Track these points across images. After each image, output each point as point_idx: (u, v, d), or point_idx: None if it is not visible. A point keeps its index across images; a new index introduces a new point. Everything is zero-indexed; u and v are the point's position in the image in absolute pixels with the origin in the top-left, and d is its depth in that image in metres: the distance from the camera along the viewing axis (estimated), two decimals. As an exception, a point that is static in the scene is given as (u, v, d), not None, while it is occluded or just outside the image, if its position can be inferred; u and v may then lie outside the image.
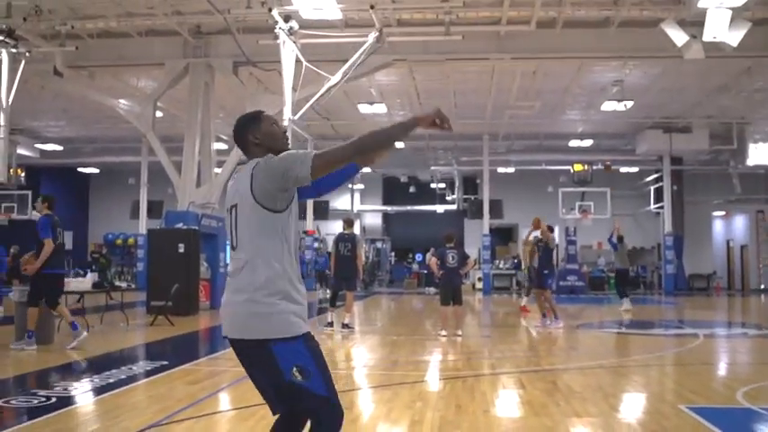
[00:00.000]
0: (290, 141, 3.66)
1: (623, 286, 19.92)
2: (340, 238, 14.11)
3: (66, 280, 14.10)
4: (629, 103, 22.95)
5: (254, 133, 3.53)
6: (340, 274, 14.14)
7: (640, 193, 35.74)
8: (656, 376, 9.41)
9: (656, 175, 33.68)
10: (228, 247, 21.53)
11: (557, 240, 15.47)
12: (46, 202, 11.14)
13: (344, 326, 13.87)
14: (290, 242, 3.37)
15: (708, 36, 13.56)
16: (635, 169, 34.97)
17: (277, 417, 3.56)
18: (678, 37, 14.63)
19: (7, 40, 16.06)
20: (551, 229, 15.70)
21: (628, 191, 35.16)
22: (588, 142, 31.06)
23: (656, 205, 33.62)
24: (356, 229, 14.94)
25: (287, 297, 3.30)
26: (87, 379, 8.28)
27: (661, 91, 23.42)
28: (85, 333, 11.10)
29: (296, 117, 16.10)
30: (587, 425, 6.16)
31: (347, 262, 13.90)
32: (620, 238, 19.70)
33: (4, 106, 17.10)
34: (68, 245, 34.28)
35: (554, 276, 15.38)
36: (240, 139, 3.58)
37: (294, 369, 3.23)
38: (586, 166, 30.58)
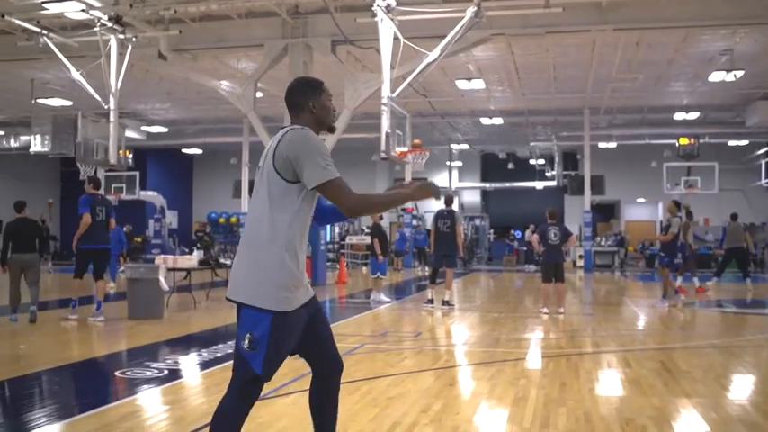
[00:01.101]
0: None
1: (742, 265, 19.55)
2: (439, 215, 14.10)
3: (173, 257, 14.68)
4: (739, 73, 21.96)
5: (314, 101, 3.53)
6: (440, 251, 14.12)
7: (750, 167, 34.28)
8: (770, 356, 9.06)
9: (767, 149, 32.25)
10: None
11: (683, 218, 14.84)
12: (92, 183, 11.98)
13: (444, 303, 13.87)
14: (300, 215, 3.36)
15: (826, -1, 12.85)
16: (744, 142, 33.57)
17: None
18: (793, 1, 13.92)
19: (115, 26, 16.61)
20: (677, 206, 15.05)
21: (737, 165, 33.79)
22: (694, 115, 29.96)
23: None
24: (455, 207, 14.85)
25: (279, 268, 3.30)
26: (196, 353, 8.54)
27: (774, 59, 22.33)
28: (102, 318, 11.45)
29: (394, 95, 16.07)
30: (697, 405, 5.97)
31: (447, 239, 13.87)
32: (734, 216, 19.35)
33: (113, 90, 17.72)
34: (174, 224, 35.57)
35: (670, 257, 14.83)
36: (297, 101, 3.55)
37: (247, 335, 3.28)
38: (692, 140, 29.52)
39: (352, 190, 3.26)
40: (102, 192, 12.08)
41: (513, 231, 37.64)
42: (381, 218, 17.16)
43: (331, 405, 3.74)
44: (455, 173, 39.94)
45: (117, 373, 7.24)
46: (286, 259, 3.31)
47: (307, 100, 3.53)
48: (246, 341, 3.29)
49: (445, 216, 13.94)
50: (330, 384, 3.69)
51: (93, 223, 11.45)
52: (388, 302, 15.36)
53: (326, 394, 3.69)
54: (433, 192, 3.53)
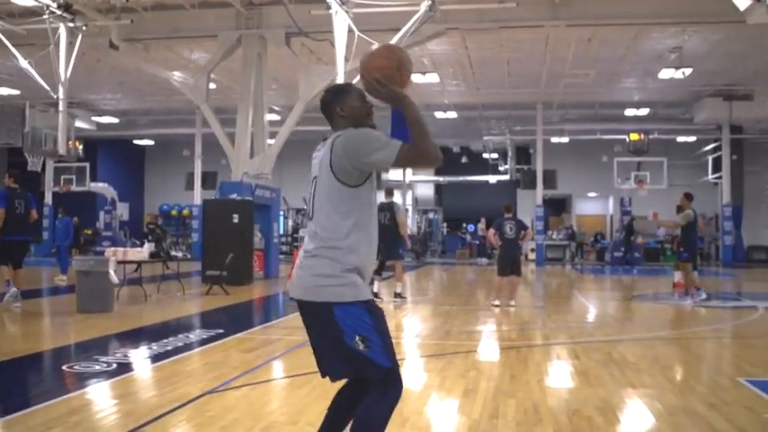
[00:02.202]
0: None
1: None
2: (379, 208, 14.08)
3: (123, 250, 14.52)
4: (688, 71, 22.38)
5: (341, 105, 3.52)
6: (382, 244, 14.13)
7: (698, 162, 34.96)
8: (714, 349, 9.28)
9: (714, 145, 32.91)
10: (282, 217, 21.78)
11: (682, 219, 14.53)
12: (11, 176, 12.18)
13: (396, 295, 13.91)
14: (366, 216, 3.37)
15: (772, -1, 13.11)
16: (692, 138, 34.23)
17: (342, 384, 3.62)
18: (741, 0, 14.18)
19: (65, 14, 16.32)
20: (689, 198, 14.89)
21: (685, 161, 34.43)
22: (644, 111, 30.48)
23: (715, 175, 32.87)
24: (398, 199, 14.91)
25: (354, 270, 3.31)
26: (146, 346, 8.45)
27: (722, 57, 22.76)
28: (20, 305, 11.68)
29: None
30: (643, 396, 6.09)
31: (388, 231, 13.87)
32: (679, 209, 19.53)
33: (63, 80, 17.42)
34: (125, 216, 35.12)
35: (690, 251, 14.51)
36: (327, 109, 3.56)
37: (357, 337, 3.24)
38: (642, 136, 30.02)
39: (413, 146, 3.26)
40: (19, 185, 12.16)
41: (465, 225, 37.91)
42: None
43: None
44: (409, 166, 39.99)
45: (65, 368, 7.13)
46: (357, 262, 3.35)
47: (333, 106, 3.53)
48: (360, 342, 3.26)
49: (384, 208, 13.88)
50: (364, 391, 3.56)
51: (12, 216, 11.78)
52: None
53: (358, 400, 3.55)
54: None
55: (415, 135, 3.27)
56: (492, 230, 13.55)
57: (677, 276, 15.20)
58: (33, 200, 12.44)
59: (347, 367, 3.37)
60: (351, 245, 3.30)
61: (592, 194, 38.43)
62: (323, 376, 3.54)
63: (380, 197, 14.39)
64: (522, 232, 13.43)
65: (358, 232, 3.32)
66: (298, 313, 3.55)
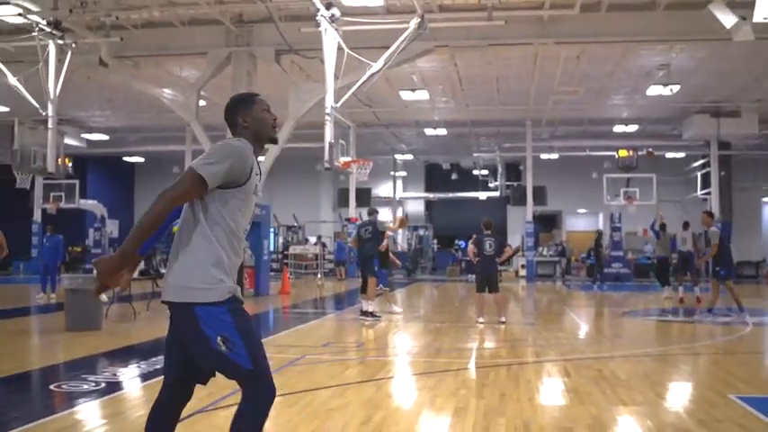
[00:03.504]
0: (277, 130, 3.63)
1: (665, 274, 19.91)
2: (361, 225, 14.40)
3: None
4: (676, 88, 22.52)
5: (244, 116, 3.50)
6: (359, 258, 14.40)
7: (687, 178, 35.15)
8: (705, 365, 9.27)
9: (703, 161, 33.10)
10: (272, 234, 21.74)
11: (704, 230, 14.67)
12: None
13: (364, 313, 13.75)
14: (230, 216, 3.34)
15: (758, 17, 13.26)
16: (681, 155, 34.41)
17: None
18: (727, 19, 14.33)
19: (54, 31, 16.30)
20: (711, 216, 15.16)
21: (674, 177, 34.59)
22: (633, 127, 30.64)
23: (704, 191, 33.03)
24: (387, 216, 15.14)
25: (218, 268, 3.30)
26: (135, 365, 8.40)
27: (709, 74, 22.93)
28: None
29: (338, 104, 16.08)
30: (633, 413, 6.09)
31: (366, 246, 13.96)
32: (663, 226, 19.73)
33: (52, 97, 17.36)
34: (114, 233, 34.95)
35: (727, 268, 14.73)
36: (229, 118, 3.55)
37: (219, 338, 3.21)
38: (631, 152, 30.13)
39: (187, 187, 3.23)
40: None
41: (457, 241, 37.92)
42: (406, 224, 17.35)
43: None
44: (399, 183, 40.13)
45: (52, 387, 7.08)
46: (219, 259, 3.35)
47: (236, 115, 3.52)
48: (222, 343, 3.23)
49: (366, 224, 14.20)
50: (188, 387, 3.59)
51: None
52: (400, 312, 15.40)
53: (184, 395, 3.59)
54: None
55: (167, 198, 3.24)
56: (471, 246, 13.60)
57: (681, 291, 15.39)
58: None
59: (210, 365, 3.35)
60: (214, 242, 3.31)
61: (582, 211, 38.54)
62: (166, 376, 3.52)
63: (383, 215, 14.63)
64: (502, 250, 13.51)
65: (218, 230, 3.32)
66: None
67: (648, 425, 5.69)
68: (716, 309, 14.64)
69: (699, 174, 33.64)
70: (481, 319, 13.12)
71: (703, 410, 6.18)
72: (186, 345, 3.36)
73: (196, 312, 3.23)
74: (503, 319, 13.07)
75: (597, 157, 33.06)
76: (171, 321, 3.43)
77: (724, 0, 14.71)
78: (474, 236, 13.67)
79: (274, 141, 3.64)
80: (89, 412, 6.14)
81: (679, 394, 7.26)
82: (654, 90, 23.09)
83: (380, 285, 15.71)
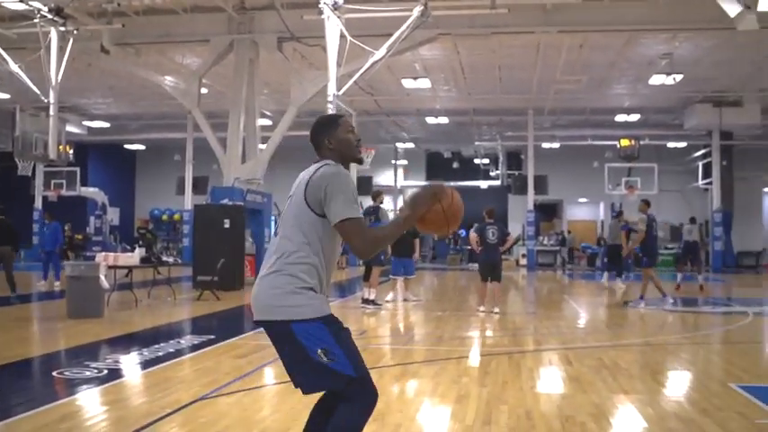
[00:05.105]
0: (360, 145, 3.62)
1: (617, 262, 19.93)
2: (365, 212, 14.08)
3: (114, 255, 14.48)
4: (679, 77, 22.48)
5: (330, 138, 3.53)
6: None
7: (688, 168, 35.09)
8: (705, 354, 9.28)
9: (704, 151, 33.02)
10: (273, 222, 21.75)
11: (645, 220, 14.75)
12: None
13: (365, 301, 13.78)
14: (327, 244, 3.36)
15: (763, 6, 13.20)
16: (683, 144, 34.35)
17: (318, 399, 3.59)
18: (731, 7, 14.25)
19: (56, 18, 16.29)
20: (647, 204, 15.26)
21: (675, 166, 34.54)
22: (635, 117, 30.59)
23: (705, 181, 32.99)
24: (389, 204, 14.89)
25: (310, 288, 3.30)
26: (137, 352, 8.42)
27: (712, 64, 22.86)
28: None
29: (340, 92, 16.07)
30: (635, 402, 6.10)
31: None
32: (619, 214, 19.97)
33: (53, 84, 17.36)
34: (115, 221, 34.99)
35: (649, 257, 14.89)
36: (316, 140, 3.58)
37: (319, 350, 3.22)
38: (633, 141, 30.09)
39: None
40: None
41: (458, 231, 37.89)
42: None
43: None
44: (400, 171, 40.08)
45: (55, 374, 7.09)
46: (313, 284, 3.34)
47: (322, 137, 3.55)
48: (323, 354, 3.23)
49: (370, 212, 13.87)
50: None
51: None
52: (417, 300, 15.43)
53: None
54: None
55: (379, 238, 3.35)
56: (474, 234, 13.54)
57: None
58: None
59: (315, 381, 3.35)
60: (310, 265, 3.31)
61: (583, 200, 38.51)
62: (296, 387, 3.51)
63: (384, 203, 14.40)
64: (505, 238, 13.46)
65: (317, 256, 3.33)
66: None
67: (650, 413, 5.71)
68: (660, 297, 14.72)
69: (700, 164, 33.59)
70: (482, 308, 13.13)
71: (705, 399, 6.20)
72: (285, 363, 3.39)
73: (293, 329, 3.25)
74: (496, 310, 13.01)
75: (599, 146, 33.01)
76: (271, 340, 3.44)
77: (728, -11, 14.64)
78: (475, 225, 13.63)
79: (359, 161, 3.68)
80: (91, 399, 6.16)
81: (680, 383, 7.27)
82: (656, 79, 23.06)
83: (403, 275, 15.32)
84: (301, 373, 3.34)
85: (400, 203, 37.16)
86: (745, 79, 24.96)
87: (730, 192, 32.08)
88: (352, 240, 3.27)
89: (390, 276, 15.71)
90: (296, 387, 3.46)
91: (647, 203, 15.26)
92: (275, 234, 3.48)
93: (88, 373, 7.00)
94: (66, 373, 7.09)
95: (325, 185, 3.28)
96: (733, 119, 28.07)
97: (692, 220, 20.10)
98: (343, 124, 3.58)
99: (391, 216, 14.14)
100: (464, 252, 35.73)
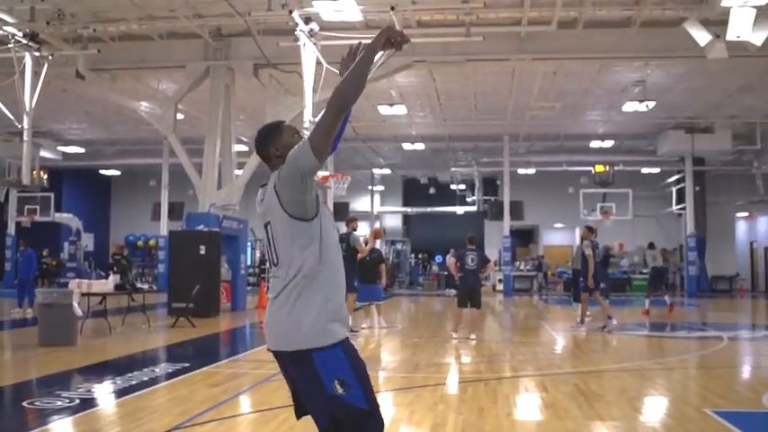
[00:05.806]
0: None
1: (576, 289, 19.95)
2: (339, 239, 13.86)
3: (88, 282, 14.33)
4: (651, 104, 22.78)
5: (275, 145, 3.41)
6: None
7: (662, 194, 35.44)
8: (681, 379, 9.33)
9: (677, 176, 33.38)
10: (249, 248, 21.63)
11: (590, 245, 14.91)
12: None
13: None
14: (329, 247, 3.28)
15: (731, 35, 13.42)
16: (656, 170, 34.71)
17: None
18: (701, 36, 14.51)
19: (31, 43, 16.20)
20: (591, 230, 15.49)
21: (649, 192, 34.84)
22: (609, 143, 30.87)
23: (679, 206, 33.30)
24: (365, 230, 14.73)
25: (326, 307, 3.20)
26: (110, 381, 8.31)
27: (683, 91, 23.21)
28: None
29: (316, 119, 16.07)
30: (611, 428, 6.11)
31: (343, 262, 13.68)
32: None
33: (28, 109, 17.22)
34: (90, 246, 34.65)
35: (586, 282, 14.98)
36: (262, 150, 3.48)
37: (336, 381, 3.14)
38: (608, 167, 30.34)
39: (322, 117, 3.16)
40: None
41: (432, 256, 38.07)
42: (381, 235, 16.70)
43: None
44: (377, 197, 40.14)
45: (25, 404, 6.97)
46: (328, 300, 3.24)
47: (268, 147, 3.44)
48: (339, 386, 3.13)
49: (342, 239, 13.73)
50: None
51: None
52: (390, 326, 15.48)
53: None
54: (391, 34, 3.27)
55: (340, 88, 3.15)
56: (452, 259, 13.53)
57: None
58: None
59: (327, 411, 3.23)
60: (320, 281, 3.22)
61: (558, 225, 38.69)
62: (297, 416, 3.44)
63: (360, 229, 14.26)
64: (485, 265, 13.46)
65: (324, 267, 3.23)
66: (265, 346, 3.47)
67: (626, 440, 5.72)
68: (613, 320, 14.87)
69: (674, 189, 33.92)
70: (455, 334, 13.10)
71: (680, 425, 6.21)
72: (301, 393, 3.31)
73: (312, 357, 3.15)
74: (473, 336, 12.99)
75: (574, 172, 33.25)
76: (283, 370, 3.36)
77: (698, 18, 14.90)
78: (452, 250, 13.63)
79: None
80: (62, 430, 6.07)
81: (656, 409, 7.29)
82: (629, 106, 23.35)
83: (368, 301, 15.12)
84: (314, 402, 3.24)
85: (376, 226, 37.18)
86: (716, 106, 25.33)
87: (703, 217, 32.41)
88: (330, 128, 3.13)
89: (357, 303, 15.57)
90: (299, 414, 3.38)
91: (590, 230, 15.55)
92: (275, 264, 3.33)
93: (59, 403, 6.90)
94: (37, 402, 6.97)
95: (289, 183, 3.17)
96: (705, 145, 28.41)
97: (651, 246, 20.26)
98: (286, 129, 3.49)
99: (361, 241, 13.98)
100: (442, 277, 35.65)
